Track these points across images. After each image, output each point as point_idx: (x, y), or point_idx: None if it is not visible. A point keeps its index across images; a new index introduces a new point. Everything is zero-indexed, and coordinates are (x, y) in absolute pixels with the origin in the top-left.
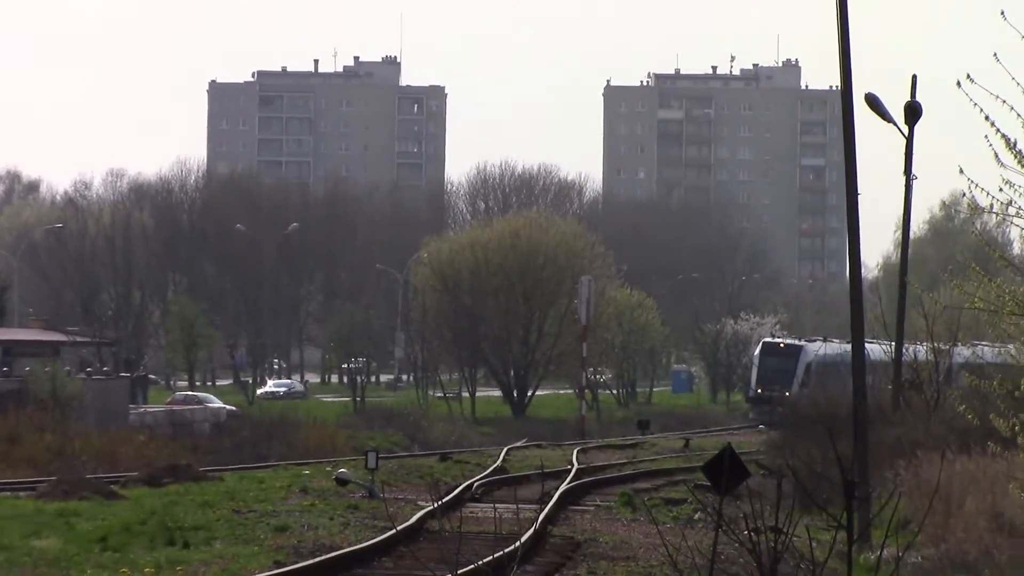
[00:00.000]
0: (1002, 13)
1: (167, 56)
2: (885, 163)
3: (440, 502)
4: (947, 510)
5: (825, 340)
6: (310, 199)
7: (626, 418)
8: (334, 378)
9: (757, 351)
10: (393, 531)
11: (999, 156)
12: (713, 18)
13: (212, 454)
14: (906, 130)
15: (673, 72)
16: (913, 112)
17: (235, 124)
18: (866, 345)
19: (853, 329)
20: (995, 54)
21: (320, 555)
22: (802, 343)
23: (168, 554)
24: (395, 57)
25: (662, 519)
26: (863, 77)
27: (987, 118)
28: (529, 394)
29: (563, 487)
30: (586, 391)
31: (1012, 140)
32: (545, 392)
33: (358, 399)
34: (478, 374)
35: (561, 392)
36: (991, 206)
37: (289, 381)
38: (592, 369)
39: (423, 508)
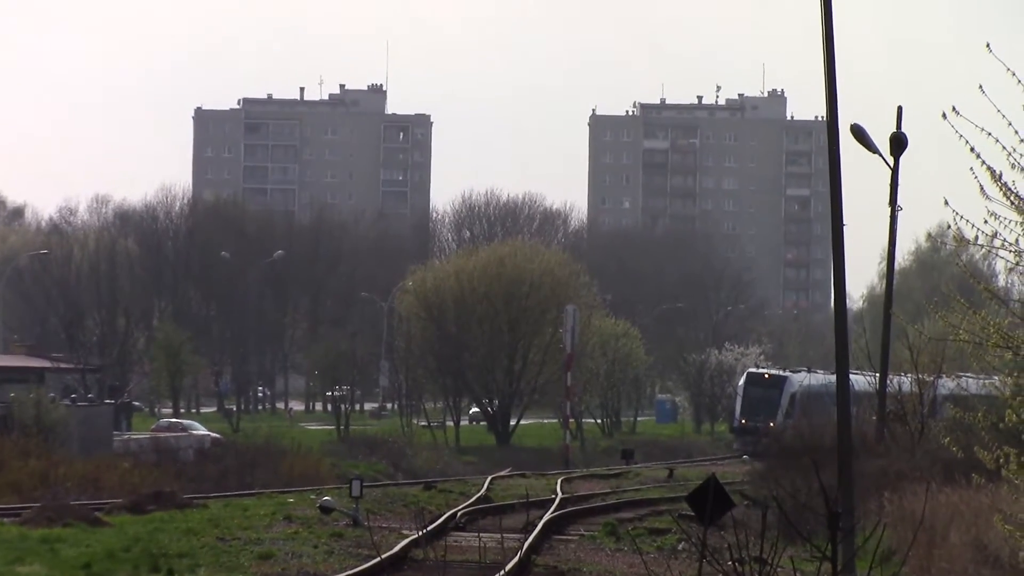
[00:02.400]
0: (987, 46)
1: (153, 82)
2: (871, 194)
3: (425, 531)
4: (931, 542)
5: (809, 371)
6: (295, 226)
7: (610, 447)
8: (318, 406)
9: (741, 381)
10: (377, 559)
11: (984, 189)
12: (698, 48)
13: (196, 481)
14: (892, 161)
15: (658, 102)
16: (899, 143)
17: (220, 151)
18: (851, 376)
19: (838, 360)
20: (980, 86)
21: None
22: (786, 374)
23: None
24: (381, 85)
25: (646, 549)
26: (849, 108)
27: (972, 150)
28: (513, 423)
29: (547, 516)
30: (570, 420)
31: (997, 172)
32: (529, 421)
33: (342, 427)
34: (462, 403)
35: (545, 421)
36: (976, 238)
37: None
38: (575, 399)
39: (407, 537)
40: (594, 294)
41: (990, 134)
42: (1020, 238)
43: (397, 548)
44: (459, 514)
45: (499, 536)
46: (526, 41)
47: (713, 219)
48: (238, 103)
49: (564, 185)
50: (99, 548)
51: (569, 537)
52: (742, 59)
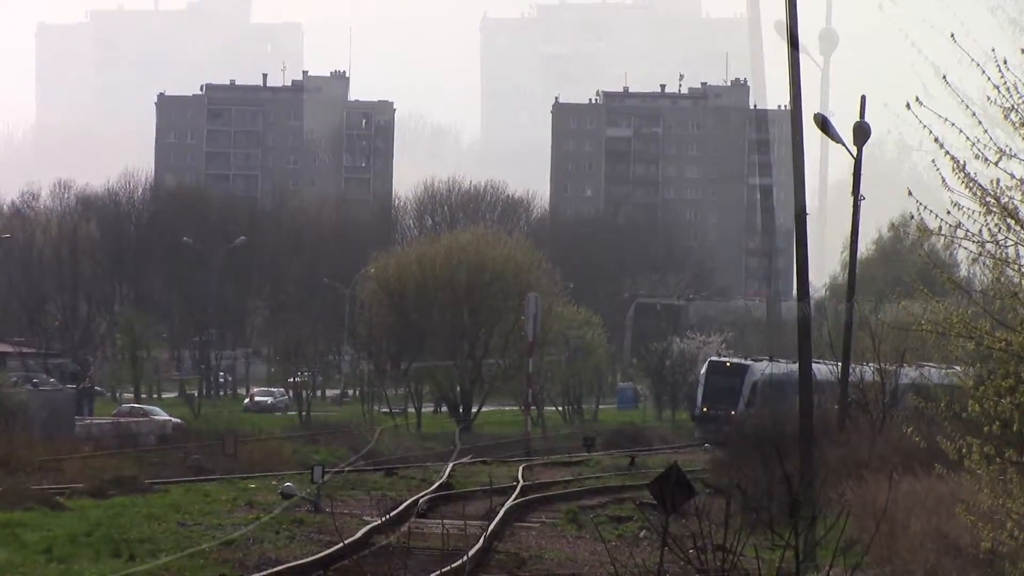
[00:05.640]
0: (952, 36)
1: (116, 69)
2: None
3: (387, 517)
4: (893, 531)
5: (771, 359)
6: (257, 212)
7: (572, 435)
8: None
9: (703, 369)
10: (339, 545)
11: (946, 179)
12: (662, 37)
13: (157, 466)
14: (855, 151)
15: (621, 90)
16: (862, 133)
17: (183, 137)
18: (813, 365)
19: (800, 349)
20: (944, 76)
21: (265, 569)
22: (748, 362)
23: (113, 566)
24: (344, 72)
25: (608, 537)
26: (812, 97)
27: (936, 140)
28: (474, 410)
29: (509, 503)
30: (531, 407)
31: (961, 163)
32: (490, 408)
33: (304, 413)
34: (424, 389)
35: (507, 408)
36: (939, 228)
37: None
38: (536, 386)
39: (369, 523)
40: (556, 282)
41: (954, 124)
42: (983, 228)
43: (359, 534)
44: (421, 501)
45: (461, 523)
46: (490, 29)
47: (675, 208)
48: (201, 89)
49: (527, 173)
50: (60, 532)
51: (531, 524)
52: (705, 48)
